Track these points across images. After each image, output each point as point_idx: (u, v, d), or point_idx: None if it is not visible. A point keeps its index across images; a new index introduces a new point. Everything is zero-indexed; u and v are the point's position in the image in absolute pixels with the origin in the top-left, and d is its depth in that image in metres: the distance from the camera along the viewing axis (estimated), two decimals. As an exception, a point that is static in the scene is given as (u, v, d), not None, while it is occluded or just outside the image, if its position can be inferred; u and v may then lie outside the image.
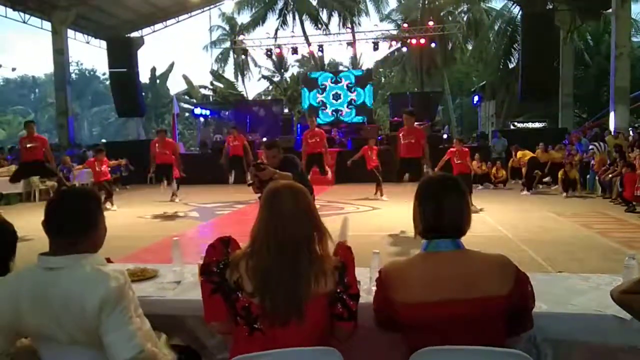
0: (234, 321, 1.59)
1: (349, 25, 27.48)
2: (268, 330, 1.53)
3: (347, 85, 22.43)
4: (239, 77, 32.60)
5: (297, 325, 1.52)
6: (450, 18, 26.83)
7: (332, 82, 22.63)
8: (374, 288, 1.78)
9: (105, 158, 10.56)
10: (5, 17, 18.23)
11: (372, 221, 8.61)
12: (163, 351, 1.72)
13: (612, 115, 15.82)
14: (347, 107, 22.28)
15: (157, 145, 10.15)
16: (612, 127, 15.48)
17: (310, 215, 1.65)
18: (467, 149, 10.35)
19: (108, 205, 9.96)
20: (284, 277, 1.54)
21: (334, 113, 22.35)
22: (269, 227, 1.59)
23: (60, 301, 1.45)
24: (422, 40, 22.58)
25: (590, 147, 12.30)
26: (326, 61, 32.73)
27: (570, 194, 11.13)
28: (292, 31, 25.88)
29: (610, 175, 10.31)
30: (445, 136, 19.39)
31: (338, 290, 1.58)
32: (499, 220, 8.04)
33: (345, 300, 1.58)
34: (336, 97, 22.43)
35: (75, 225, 1.55)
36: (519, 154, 12.80)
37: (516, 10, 22.98)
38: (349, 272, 1.62)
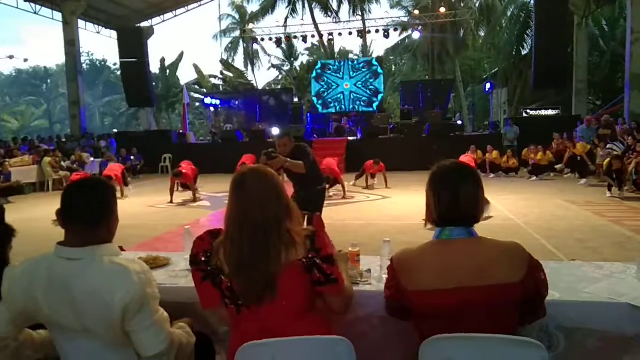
0: (224, 304, 1.65)
1: (359, 13, 27.28)
2: (252, 306, 1.59)
3: (357, 74, 22.30)
4: (249, 66, 32.58)
5: (271, 298, 1.56)
6: (462, 4, 26.48)
7: (341, 71, 22.51)
8: (385, 276, 1.78)
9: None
10: (17, 8, 18.36)
11: (382, 210, 8.60)
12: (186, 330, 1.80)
13: (626, 102, 15.57)
14: (357, 95, 22.16)
15: (176, 182, 10.29)
16: (626, 114, 15.25)
17: (278, 196, 1.67)
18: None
19: None
20: (254, 259, 1.58)
21: (344, 101, 22.26)
22: (238, 212, 1.63)
23: (81, 294, 1.47)
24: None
25: (608, 146, 12.01)
26: (336, 49, 32.60)
27: (614, 192, 9.09)
28: (302, 19, 25.76)
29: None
30: (459, 122, 19.25)
31: (310, 256, 1.61)
32: (510, 209, 7.99)
33: (319, 264, 1.60)
34: (346, 85, 22.32)
35: (92, 214, 1.56)
36: (580, 146, 11.89)
37: (529, -5, 22.61)
38: (319, 238, 1.64)
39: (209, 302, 1.68)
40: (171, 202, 9.83)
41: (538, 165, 12.41)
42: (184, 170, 9.99)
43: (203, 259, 1.67)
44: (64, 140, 18.28)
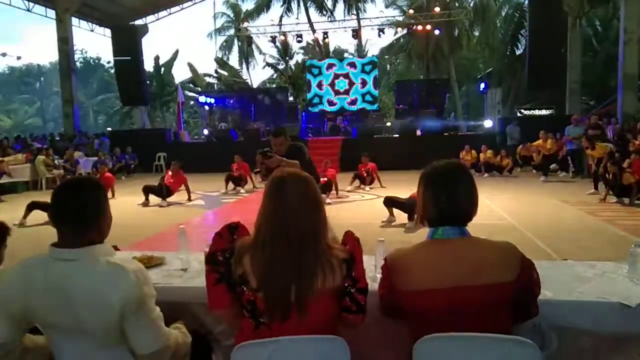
0: (240, 313, 1.58)
1: (354, 12, 27.28)
2: (274, 325, 1.52)
3: (352, 73, 22.30)
4: (244, 65, 32.50)
5: (300, 319, 1.50)
6: (456, 4, 26.52)
7: (336, 70, 22.51)
8: (379, 276, 1.79)
9: None
10: (10, 5, 18.20)
11: (377, 209, 8.60)
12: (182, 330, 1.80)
13: (619, 102, 15.66)
14: (352, 94, 22.16)
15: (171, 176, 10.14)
16: (619, 114, 15.35)
17: (318, 205, 1.60)
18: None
19: None
20: (288, 270, 1.50)
21: (339, 101, 22.26)
22: (275, 217, 1.55)
23: (79, 294, 1.47)
24: (428, 27, 22.35)
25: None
26: (331, 48, 32.55)
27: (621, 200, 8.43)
28: (297, 18, 25.72)
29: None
30: (456, 123, 19.27)
31: (346, 285, 1.55)
32: (504, 208, 8.02)
33: (354, 294, 1.56)
34: (341, 84, 22.33)
35: (83, 214, 1.55)
36: (599, 147, 10.56)
37: (524, -5, 22.69)
38: (357, 266, 1.57)
39: (219, 304, 1.61)
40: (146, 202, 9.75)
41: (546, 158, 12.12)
42: (167, 184, 9.89)
43: (221, 258, 1.60)
44: (57, 138, 18.17)
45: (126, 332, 1.51)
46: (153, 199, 9.79)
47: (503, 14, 25.44)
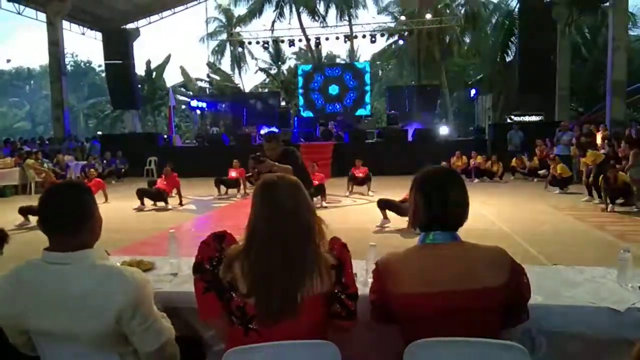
0: (229, 320, 1.57)
1: (347, 18, 27.42)
2: (263, 331, 1.51)
3: (344, 78, 22.37)
4: (236, 70, 32.49)
5: (291, 324, 1.49)
6: (447, 11, 26.74)
7: (328, 75, 22.56)
8: (371, 280, 1.79)
9: None
10: (0, 8, 18.07)
11: (369, 214, 8.61)
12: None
13: (608, 108, 15.84)
14: (344, 99, 22.23)
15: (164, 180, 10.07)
16: (607, 121, 15.53)
17: (309, 209, 1.61)
18: None
19: None
20: (282, 274, 1.49)
21: (330, 106, 22.31)
22: (265, 222, 1.54)
23: (75, 297, 1.45)
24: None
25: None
26: (323, 54, 32.65)
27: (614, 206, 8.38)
28: (289, 23, 25.80)
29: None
30: (446, 130, 19.39)
31: (336, 291, 1.55)
32: (494, 214, 8.06)
33: (344, 300, 1.56)
34: (333, 90, 22.38)
35: (73, 219, 1.53)
36: (590, 154, 10.12)
37: (514, 3, 22.99)
38: (346, 272, 1.58)
39: (209, 313, 1.60)
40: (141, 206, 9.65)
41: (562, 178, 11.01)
42: (162, 189, 9.80)
43: (208, 266, 1.59)
44: (47, 142, 18.02)
45: (128, 334, 1.51)
46: (148, 202, 9.72)
47: (493, 21, 25.67)
